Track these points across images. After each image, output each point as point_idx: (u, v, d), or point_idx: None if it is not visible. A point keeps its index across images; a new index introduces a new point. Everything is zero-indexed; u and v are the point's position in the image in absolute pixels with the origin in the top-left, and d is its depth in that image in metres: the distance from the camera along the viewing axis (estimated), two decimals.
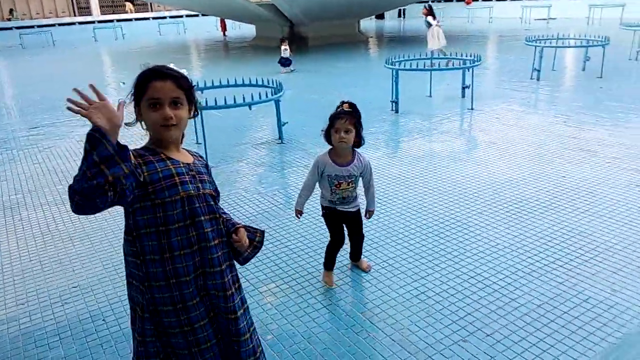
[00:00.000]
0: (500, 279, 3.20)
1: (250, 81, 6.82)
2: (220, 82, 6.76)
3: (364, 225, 3.27)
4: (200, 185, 1.81)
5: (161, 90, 1.71)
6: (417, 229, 3.90)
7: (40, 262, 3.69)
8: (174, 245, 1.74)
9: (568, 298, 2.98)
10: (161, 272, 1.75)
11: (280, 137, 6.45)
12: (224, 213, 1.96)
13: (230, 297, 1.85)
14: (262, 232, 2.06)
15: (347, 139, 2.79)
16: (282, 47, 12.00)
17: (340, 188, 2.94)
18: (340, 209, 3.05)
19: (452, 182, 4.84)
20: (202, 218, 1.78)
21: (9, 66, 16.63)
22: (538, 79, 9.58)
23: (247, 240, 1.93)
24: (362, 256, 3.40)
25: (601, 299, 2.95)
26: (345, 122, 2.76)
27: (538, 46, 9.69)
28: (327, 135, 2.87)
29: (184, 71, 1.90)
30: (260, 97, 5.89)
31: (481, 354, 2.55)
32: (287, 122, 6.52)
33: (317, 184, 3.00)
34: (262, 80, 6.77)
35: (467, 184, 4.76)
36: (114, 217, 4.32)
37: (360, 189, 3.13)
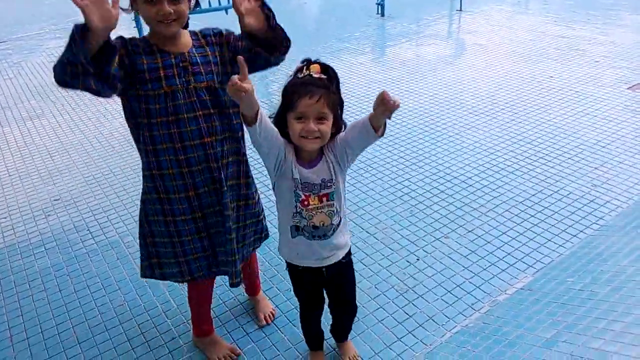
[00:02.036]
0: (484, 178, 3.21)
1: None
2: None
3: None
4: (192, 78, 1.65)
5: None
6: (402, 132, 3.85)
7: (19, 176, 3.63)
8: (156, 140, 1.68)
9: (549, 194, 3.02)
10: (146, 163, 1.74)
11: None
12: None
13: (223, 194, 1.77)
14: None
15: (322, 132, 1.51)
16: None
17: (309, 206, 1.62)
18: (310, 263, 1.72)
19: (439, 85, 4.72)
20: (186, 115, 1.66)
21: None
22: None
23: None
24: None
25: (581, 194, 3.00)
26: (318, 100, 1.48)
27: None
28: (281, 124, 1.57)
29: None
30: None
31: (462, 249, 2.61)
32: None
33: (273, 190, 1.70)
34: None
35: (454, 87, 4.65)
36: (92, 131, 4.22)
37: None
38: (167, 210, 1.77)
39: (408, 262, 2.54)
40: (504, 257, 2.54)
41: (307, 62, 1.54)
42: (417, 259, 2.56)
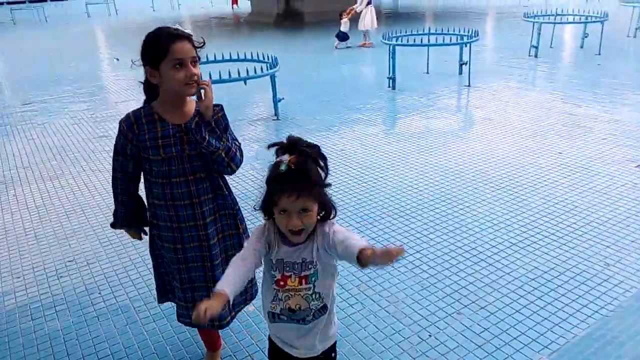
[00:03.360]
0: (495, 254, 3.21)
1: (245, 56, 6.74)
2: (215, 57, 6.67)
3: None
4: (186, 146, 1.91)
5: (183, 51, 1.82)
6: (412, 205, 3.90)
7: (35, 236, 3.69)
8: (155, 195, 1.99)
9: (561, 272, 3.00)
10: (149, 211, 2.09)
11: (276, 114, 6.40)
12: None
13: (213, 247, 2.06)
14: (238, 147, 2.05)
15: (306, 224, 1.50)
16: (342, 20, 11.58)
17: (286, 287, 1.58)
18: (289, 350, 1.69)
19: (448, 158, 4.83)
20: (176, 179, 1.94)
21: (0, 42, 16.35)
22: (536, 56, 9.51)
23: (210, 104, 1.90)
24: None
25: (594, 273, 2.98)
26: (297, 197, 1.46)
27: (536, 22, 9.59)
28: (268, 210, 1.58)
29: (189, 30, 1.95)
30: (255, 72, 5.82)
31: (475, 326, 2.58)
32: (283, 99, 6.46)
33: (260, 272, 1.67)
34: (257, 56, 6.68)
35: (463, 160, 4.75)
36: (109, 193, 4.31)
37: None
38: (163, 254, 2.11)
39: (420, 338, 2.51)
40: (518, 337, 2.50)
41: (283, 151, 1.51)
42: (430, 335, 2.52)
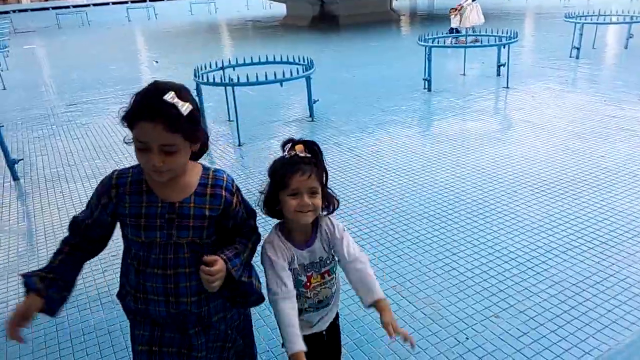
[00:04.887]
0: (535, 257, 3.15)
1: (281, 58, 6.81)
2: (251, 60, 6.77)
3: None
4: (174, 232, 1.49)
5: (148, 134, 1.37)
6: (449, 207, 3.87)
7: None
8: (130, 279, 1.57)
9: (605, 277, 2.92)
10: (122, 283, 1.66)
11: (311, 115, 6.45)
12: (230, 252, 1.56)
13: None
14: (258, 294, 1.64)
15: (315, 205, 1.59)
16: (452, 17, 11.29)
17: (312, 286, 1.68)
18: (316, 329, 1.78)
19: (486, 160, 4.76)
20: (155, 271, 1.50)
21: (46, 46, 17.05)
22: (577, 57, 9.25)
23: (219, 278, 1.48)
24: None
25: (639, 279, 2.88)
26: (308, 176, 1.57)
27: (578, 23, 9.33)
28: (271, 202, 1.66)
29: (186, 107, 1.39)
30: (291, 74, 5.88)
31: (513, 330, 2.54)
32: (317, 100, 6.51)
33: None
34: (294, 58, 6.75)
35: (502, 163, 4.67)
36: None
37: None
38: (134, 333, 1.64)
39: (457, 340, 2.49)
40: (558, 342, 2.44)
41: (292, 143, 1.64)
42: (467, 338, 2.50)
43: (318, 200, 1.60)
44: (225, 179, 1.58)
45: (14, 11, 28.87)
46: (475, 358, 2.37)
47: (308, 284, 1.65)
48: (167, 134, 1.36)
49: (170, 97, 1.38)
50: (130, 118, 1.39)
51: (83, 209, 1.60)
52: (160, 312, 1.53)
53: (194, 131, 1.44)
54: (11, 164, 4.95)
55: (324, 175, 1.65)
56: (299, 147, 1.61)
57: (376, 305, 1.62)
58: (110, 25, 22.63)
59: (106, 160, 5.33)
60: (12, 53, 11.43)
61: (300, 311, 1.68)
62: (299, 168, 1.56)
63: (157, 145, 1.38)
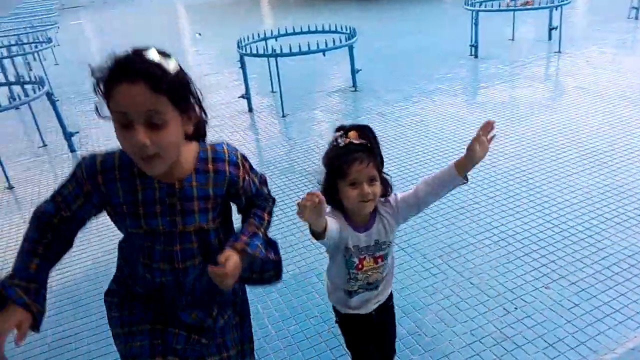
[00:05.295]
0: (587, 228, 3.07)
1: (323, 28, 6.73)
2: (293, 30, 6.73)
3: None
4: (178, 219, 1.31)
5: (128, 100, 1.14)
6: (497, 176, 3.79)
7: None
8: (135, 274, 1.42)
9: None
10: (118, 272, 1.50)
11: (354, 85, 6.39)
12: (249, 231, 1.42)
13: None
14: (278, 261, 1.50)
15: (375, 193, 1.55)
16: None
17: (364, 269, 1.67)
18: (363, 311, 1.76)
19: (536, 128, 4.61)
20: (161, 266, 1.33)
21: (93, 21, 17.45)
22: (637, 18, 8.69)
23: (235, 273, 1.32)
24: None
25: None
26: (367, 164, 1.52)
27: None
28: (330, 192, 1.58)
29: (173, 63, 1.21)
30: (334, 44, 5.82)
31: (564, 301, 2.50)
32: (360, 70, 6.43)
33: (326, 251, 1.71)
34: (335, 27, 6.66)
35: (553, 131, 4.51)
36: None
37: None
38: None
39: (506, 310, 2.48)
40: (611, 314, 2.40)
41: (344, 130, 1.56)
42: (516, 308, 2.49)
43: (377, 188, 1.56)
44: (226, 150, 1.37)
45: None
46: (524, 327, 2.36)
47: (360, 266, 1.65)
48: (150, 96, 1.13)
49: (152, 54, 1.18)
50: (106, 83, 1.16)
51: (45, 199, 1.37)
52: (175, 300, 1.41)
53: (183, 96, 1.22)
54: (68, 136, 5.18)
55: (380, 160, 1.60)
56: (352, 134, 1.54)
57: (459, 165, 1.63)
58: None
59: None
60: (62, 29, 11.75)
61: (351, 293, 1.71)
62: (356, 157, 1.51)
63: (140, 113, 1.14)
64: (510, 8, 7.58)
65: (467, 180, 1.62)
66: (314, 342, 2.39)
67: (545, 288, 2.61)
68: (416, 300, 2.59)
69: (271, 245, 1.50)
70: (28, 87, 5.19)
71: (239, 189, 1.40)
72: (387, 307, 1.85)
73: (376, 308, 1.79)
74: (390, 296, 1.86)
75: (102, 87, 1.18)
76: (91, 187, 1.29)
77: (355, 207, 1.57)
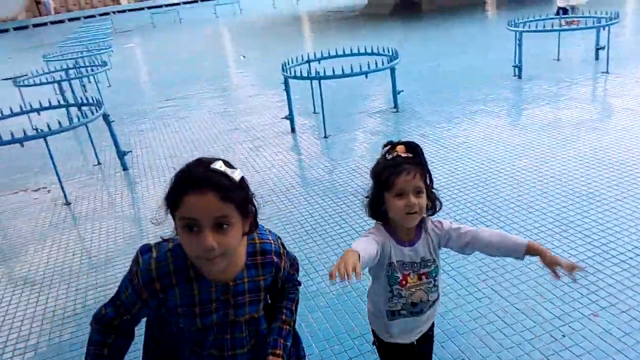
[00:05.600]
0: (638, 255, 2.99)
1: (365, 50, 6.84)
2: (336, 52, 6.87)
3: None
4: (231, 311, 1.40)
5: (198, 208, 1.21)
6: (542, 199, 3.74)
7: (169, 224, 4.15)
8: (183, 355, 1.48)
9: None
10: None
11: (396, 106, 6.44)
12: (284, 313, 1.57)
13: None
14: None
15: (420, 205, 1.58)
16: None
17: (407, 285, 1.66)
18: (405, 340, 1.77)
19: (583, 150, 4.52)
20: (212, 352, 1.44)
21: (143, 44, 18.26)
22: None
23: None
24: None
25: None
26: (414, 176, 1.56)
27: None
28: (376, 205, 1.65)
29: (237, 173, 1.30)
30: (376, 66, 5.91)
31: (614, 330, 2.45)
32: (402, 91, 6.48)
33: (368, 271, 1.72)
34: (378, 49, 6.75)
35: (600, 154, 4.42)
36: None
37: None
38: None
39: (553, 337, 2.44)
40: None
41: (392, 145, 1.63)
42: (563, 336, 2.45)
43: (423, 200, 1.59)
44: (272, 241, 1.46)
45: (113, 12, 31.13)
46: (572, 355, 2.32)
47: (404, 282, 1.65)
48: (220, 204, 1.22)
49: (218, 165, 1.27)
50: (175, 194, 1.24)
51: (105, 302, 1.45)
52: None
53: (247, 200, 1.31)
54: (121, 155, 5.44)
55: (428, 175, 1.65)
56: (400, 148, 1.61)
57: (529, 250, 1.63)
58: (199, 22, 23.75)
59: (203, 152, 5.69)
60: (114, 52, 12.37)
61: (394, 313, 1.69)
62: (404, 169, 1.56)
63: (210, 219, 1.21)
64: (556, 29, 7.49)
65: (523, 259, 1.67)
66: None
67: (594, 316, 2.55)
68: (460, 325, 2.59)
69: (295, 343, 1.64)
70: (84, 108, 5.51)
71: (280, 274, 1.50)
72: (428, 337, 1.85)
73: (419, 338, 1.78)
74: (432, 325, 1.85)
75: (171, 195, 1.27)
76: (148, 295, 1.35)
77: (401, 219, 1.60)
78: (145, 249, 1.43)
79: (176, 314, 1.37)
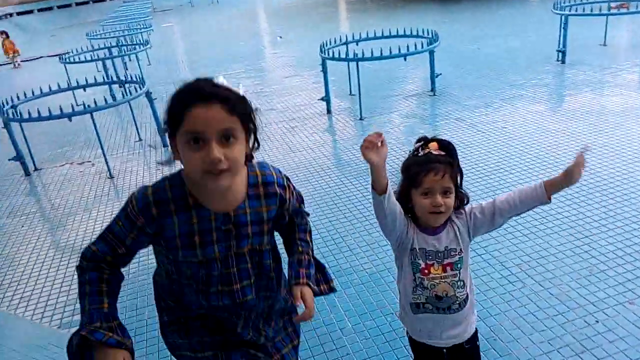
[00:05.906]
0: None
1: (404, 32, 6.77)
2: (374, 33, 6.82)
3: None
4: (233, 243, 1.37)
5: (205, 120, 1.20)
6: (583, 188, 3.67)
7: None
8: (186, 302, 1.48)
9: None
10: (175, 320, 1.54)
11: (433, 89, 6.38)
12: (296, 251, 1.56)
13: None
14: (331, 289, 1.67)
15: (447, 205, 1.56)
16: None
17: (430, 275, 1.62)
18: (431, 342, 1.71)
19: (628, 139, 4.39)
20: (219, 288, 1.40)
21: (181, 23, 18.49)
22: None
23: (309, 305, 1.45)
24: None
25: None
26: (442, 175, 1.53)
27: None
28: (404, 198, 1.62)
29: (240, 88, 1.32)
30: (415, 48, 5.85)
31: None
32: (440, 74, 6.41)
33: (395, 263, 1.73)
34: (417, 31, 6.67)
35: None
36: (281, 161, 4.76)
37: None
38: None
39: (586, 322, 2.44)
40: None
41: (425, 141, 1.59)
42: (597, 321, 2.44)
43: (451, 201, 1.56)
44: (274, 174, 1.44)
45: None
46: (605, 341, 2.32)
47: (426, 271, 1.60)
48: (226, 116, 1.21)
49: (221, 81, 1.28)
50: (179, 109, 1.22)
51: (93, 241, 1.41)
52: (232, 324, 1.49)
53: (250, 119, 1.30)
54: (161, 132, 5.60)
55: (459, 175, 1.61)
56: (432, 145, 1.58)
57: (548, 187, 1.64)
58: (236, 1, 23.82)
59: None
60: (154, 31, 12.60)
61: (418, 306, 1.65)
62: (433, 167, 1.53)
63: (216, 131, 1.20)
64: (604, 12, 7.21)
65: (550, 201, 1.62)
66: (390, 338, 2.48)
67: (630, 304, 2.53)
68: (492, 306, 2.61)
69: (319, 269, 1.63)
70: (128, 85, 5.69)
71: (285, 208, 1.47)
72: (464, 350, 1.71)
73: (450, 347, 1.69)
74: (471, 340, 1.72)
75: (173, 112, 1.24)
76: (145, 220, 1.31)
77: (425, 217, 1.58)
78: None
79: (175, 247, 1.33)
